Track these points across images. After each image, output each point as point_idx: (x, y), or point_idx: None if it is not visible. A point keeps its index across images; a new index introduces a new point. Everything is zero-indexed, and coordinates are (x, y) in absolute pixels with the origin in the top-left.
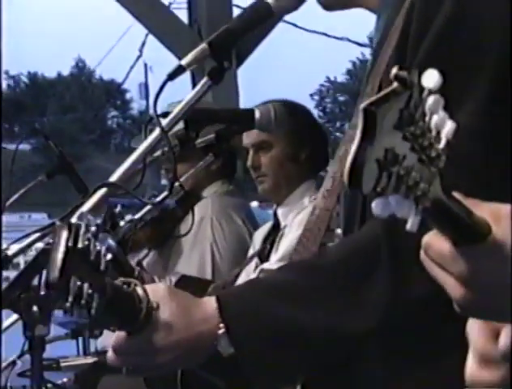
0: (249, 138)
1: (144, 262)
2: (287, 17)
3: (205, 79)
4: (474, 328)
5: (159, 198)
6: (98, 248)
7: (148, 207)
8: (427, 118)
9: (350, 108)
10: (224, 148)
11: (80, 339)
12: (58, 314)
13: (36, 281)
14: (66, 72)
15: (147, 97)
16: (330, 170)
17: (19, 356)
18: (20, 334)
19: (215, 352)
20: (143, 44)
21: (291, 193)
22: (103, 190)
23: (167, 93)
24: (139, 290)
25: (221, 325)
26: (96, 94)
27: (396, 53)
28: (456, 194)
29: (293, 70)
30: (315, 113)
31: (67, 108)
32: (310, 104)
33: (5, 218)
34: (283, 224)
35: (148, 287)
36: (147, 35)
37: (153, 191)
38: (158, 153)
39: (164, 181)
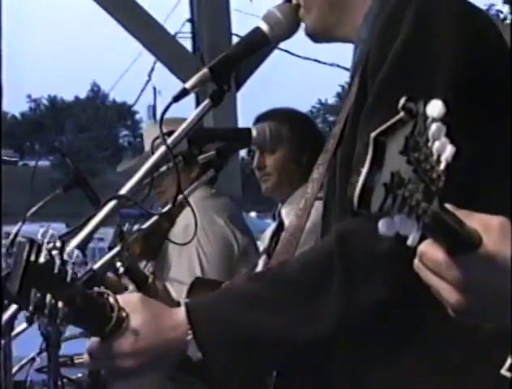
0: None
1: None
2: (282, 45)
3: (206, 101)
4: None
5: (164, 210)
6: (65, 261)
7: (155, 218)
8: (429, 144)
9: None
10: (217, 163)
11: None
12: None
13: None
14: (82, 95)
15: (154, 118)
16: (304, 190)
17: (38, 354)
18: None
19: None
20: (152, 70)
21: (293, 192)
22: (113, 202)
23: (172, 112)
24: (111, 299)
25: (189, 331)
26: (109, 115)
27: (357, 95)
28: (449, 206)
29: (288, 93)
30: None
31: (83, 127)
32: None
33: (26, 227)
34: (286, 222)
35: (122, 296)
36: (155, 62)
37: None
38: (164, 168)
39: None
